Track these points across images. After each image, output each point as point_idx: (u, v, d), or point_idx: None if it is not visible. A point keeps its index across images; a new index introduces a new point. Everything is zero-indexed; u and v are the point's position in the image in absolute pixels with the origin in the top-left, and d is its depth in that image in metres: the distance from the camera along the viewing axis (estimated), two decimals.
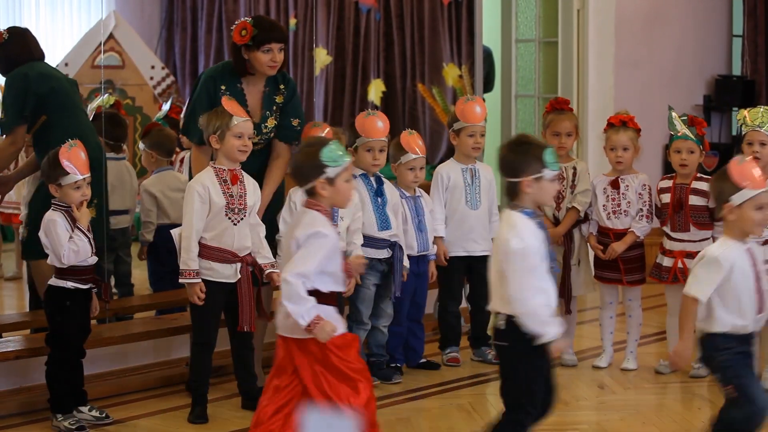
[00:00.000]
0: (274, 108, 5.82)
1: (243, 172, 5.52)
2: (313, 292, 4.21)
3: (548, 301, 4.21)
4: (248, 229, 5.49)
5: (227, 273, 5.45)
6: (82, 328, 5.43)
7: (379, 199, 6.07)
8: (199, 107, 5.70)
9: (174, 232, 5.52)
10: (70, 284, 5.32)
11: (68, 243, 5.25)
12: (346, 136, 6.10)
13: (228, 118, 5.40)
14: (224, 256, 5.44)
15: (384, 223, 6.03)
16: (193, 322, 5.55)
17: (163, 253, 6.62)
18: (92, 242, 5.35)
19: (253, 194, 5.52)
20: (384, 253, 6.06)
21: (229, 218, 5.42)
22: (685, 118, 6.22)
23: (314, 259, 4.19)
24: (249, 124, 5.47)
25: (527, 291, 4.16)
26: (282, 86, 5.85)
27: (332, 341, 4.22)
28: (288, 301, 4.17)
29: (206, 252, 5.42)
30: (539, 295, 4.18)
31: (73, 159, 5.30)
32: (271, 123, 5.80)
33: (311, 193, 4.28)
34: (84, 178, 5.32)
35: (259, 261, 5.50)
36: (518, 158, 4.25)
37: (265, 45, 5.67)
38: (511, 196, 4.26)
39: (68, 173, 5.27)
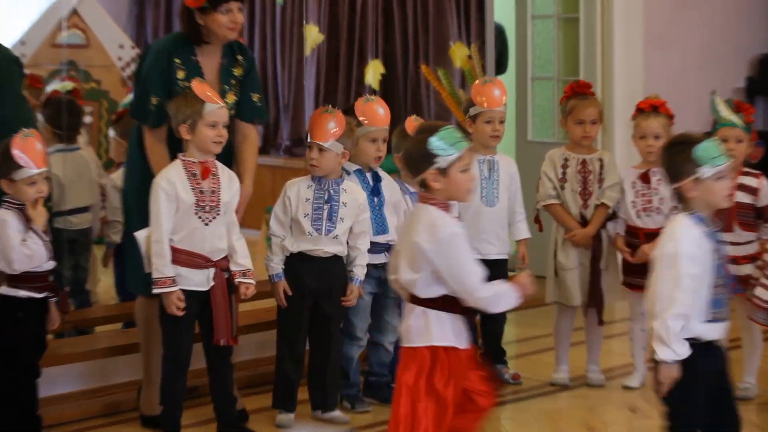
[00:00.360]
0: (233, 82, 5.74)
1: (218, 163, 5.43)
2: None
3: (684, 318, 4.21)
4: (223, 230, 5.41)
5: (198, 280, 5.37)
6: (37, 343, 5.35)
7: (375, 199, 6.00)
8: (150, 85, 5.60)
9: (139, 235, 5.42)
10: (22, 293, 5.25)
11: (20, 246, 5.18)
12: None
13: (200, 104, 5.30)
14: (194, 260, 5.35)
15: (380, 227, 5.96)
16: (164, 336, 5.47)
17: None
18: (49, 245, 5.28)
19: (229, 189, 5.43)
20: (381, 258, 5.95)
21: (199, 217, 5.33)
22: (731, 103, 6.17)
23: (468, 261, 4.19)
24: (224, 111, 5.39)
25: (663, 301, 4.21)
26: (240, 57, 5.77)
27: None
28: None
29: (174, 256, 5.33)
30: (673, 307, 4.18)
31: (28, 150, 5.21)
32: (230, 98, 5.70)
33: (424, 186, 4.25)
34: (40, 173, 5.24)
35: (231, 267, 5.43)
36: (672, 161, 4.35)
37: (224, 4, 5.58)
38: (680, 202, 4.36)
39: (22, 166, 5.19)
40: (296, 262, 5.70)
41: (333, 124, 5.71)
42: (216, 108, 5.32)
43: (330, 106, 5.86)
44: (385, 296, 6.02)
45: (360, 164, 5.97)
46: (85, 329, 6.59)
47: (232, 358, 5.70)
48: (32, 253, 5.18)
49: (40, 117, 6.73)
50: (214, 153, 5.37)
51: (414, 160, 4.27)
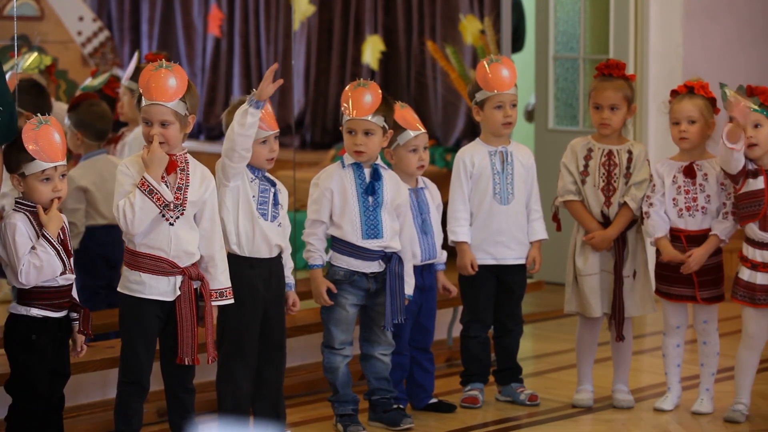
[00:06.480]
0: None
1: (191, 159, 5.51)
2: None
3: None
4: (194, 233, 5.48)
5: (163, 288, 5.42)
6: (54, 371, 5.30)
7: (370, 199, 6.07)
8: None
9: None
10: (35, 312, 5.23)
11: (28, 255, 5.14)
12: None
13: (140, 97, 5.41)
14: (158, 265, 5.42)
15: (372, 230, 6.04)
16: (121, 352, 5.53)
17: (96, 263, 6.70)
18: (65, 255, 5.25)
19: (201, 188, 5.47)
20: (374, 266, 6.07)
21: (162, 215, 5.38)
22: (743, 89, 6.14)
23: None
24: (158, 110, 5.37)
25: None
26: None
27: None
28: None
29: (134, 261, 5.42)
30: None
31: (41, 140, 5.18)
32: None
33: None
34: (55, 167, 5.22)
35: (211, 285, 5.51)
36: None
37: None
38: None
39: (33, 159, 5.18)
40: (245, 268, 5.74)
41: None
42: (148, 104, 5.36)
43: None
44: (373, 309, 6.11)
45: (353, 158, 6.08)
46: None
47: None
48: (41, 264, 5.12)
49: None
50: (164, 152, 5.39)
51: None
